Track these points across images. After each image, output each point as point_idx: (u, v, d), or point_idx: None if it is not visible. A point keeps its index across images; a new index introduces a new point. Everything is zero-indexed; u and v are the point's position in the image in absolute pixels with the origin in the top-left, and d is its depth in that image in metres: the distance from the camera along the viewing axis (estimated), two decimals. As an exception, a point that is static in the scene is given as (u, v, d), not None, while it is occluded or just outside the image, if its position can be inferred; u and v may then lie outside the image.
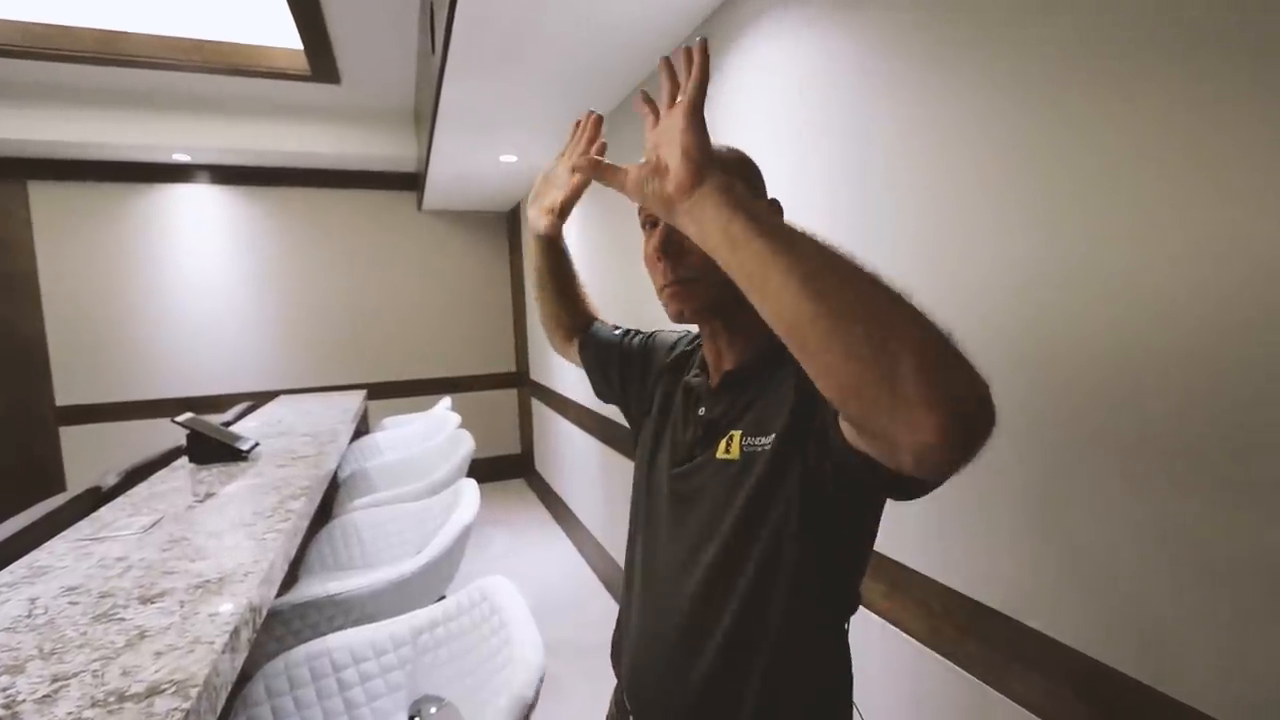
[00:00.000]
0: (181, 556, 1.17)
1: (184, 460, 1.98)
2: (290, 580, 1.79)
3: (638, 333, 1.04)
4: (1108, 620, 0.89)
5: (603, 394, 1.06)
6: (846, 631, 0.74)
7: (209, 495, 1.59)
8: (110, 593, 1.02)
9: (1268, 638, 0.72)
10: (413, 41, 3.25)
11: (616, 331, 1.06)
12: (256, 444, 2.07)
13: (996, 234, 1.01)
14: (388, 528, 2.01)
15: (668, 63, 0.61)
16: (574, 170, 0.62)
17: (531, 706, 0.95)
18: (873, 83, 1.25)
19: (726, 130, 1.76)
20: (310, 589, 1.47)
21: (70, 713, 0.71)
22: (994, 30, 1.00)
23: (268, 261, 4.50)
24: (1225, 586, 0.76)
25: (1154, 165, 0.80)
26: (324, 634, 1.28)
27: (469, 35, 1.91)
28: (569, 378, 3.70)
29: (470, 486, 1.88)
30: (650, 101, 0.63)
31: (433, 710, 1.23)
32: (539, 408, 4.60)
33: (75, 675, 0.78)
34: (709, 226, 0.53)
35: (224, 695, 0.82)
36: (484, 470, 4.90)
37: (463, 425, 2.84)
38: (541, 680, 1.00)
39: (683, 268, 0.74)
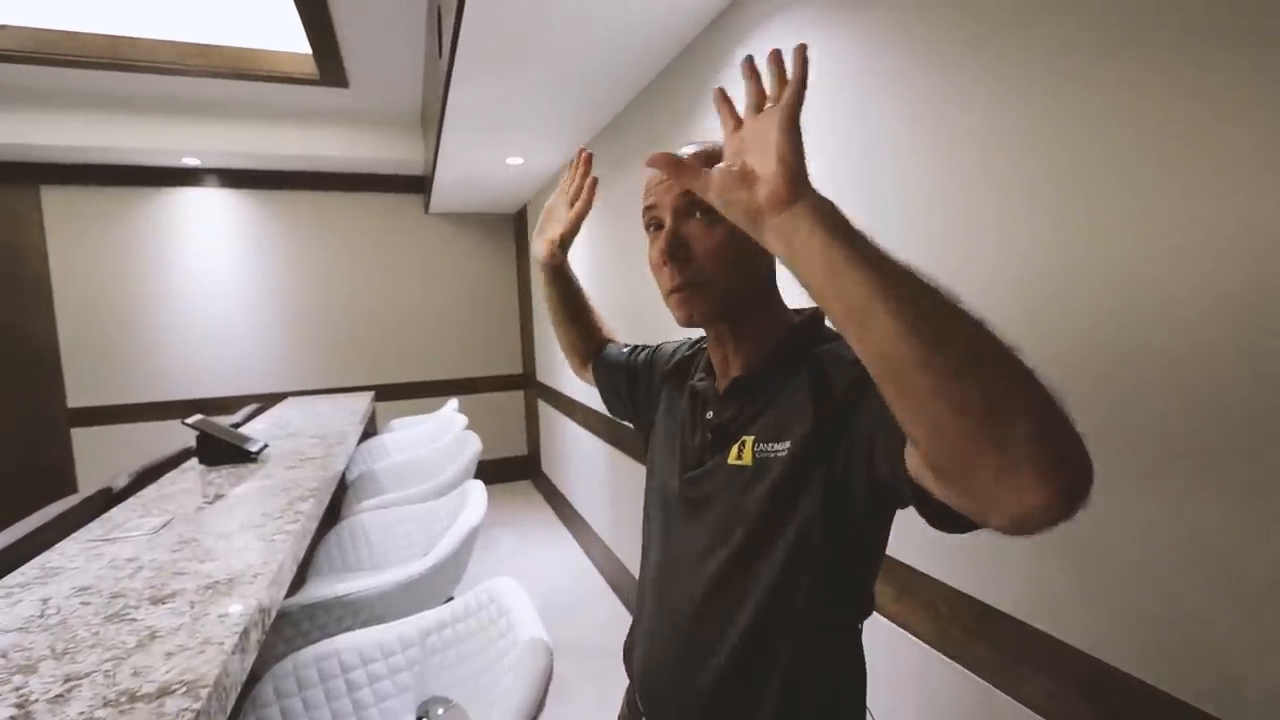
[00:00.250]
0: (191, 557, 1.18)
1: (194, 462, 2.00)
2: (299, 582, 1.80)
3: (644, 348, 1.05)
4: (1114, 622, 0.88)
5: (616, 410, 1.08)
6: (860, 633, 0.74)
7: (218, 497, 1.60)
8: (121, 593, 1.03)
9: (1274, 638, 0.72)
10: (420, 45, 3.26)
11: (625, 349, 1.07)
12: (265, 445, 2.08)
13: (1002, 230, 1.01)
14: (395, 529, 2.02)
15: (751, 64, 0.57)
16: (650, 164, 0.58)
17: (539, 708, 0.95)
18: (878, 82, 1.25)
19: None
20: (319, 590, 1.47)
21: (82, 713, 0.72)
22: (997, 26, 0.99)
23: (276, 264, 4.52)
24: (1232, 586, 0.75)
25: (1157, 158, 0.80)
26: (332, 635, 1.28)
27: (476, 38, 1.92)
28: (576, 380, 3.70)
29: (477, 488, 1.88)
30: (728, 101, 0.60)
31: (440, 712, 1.23)
32: (546, 409, 4.61)
33: (87, 675, 0.79)
34: (804, 248, 0.48)
35: (234, 696, 0.83)
36: (491, 472, 4.91)
37: (470, 427, 2.84)
38: (549, 682, 1.00)
39: (690, 271, 0.72)
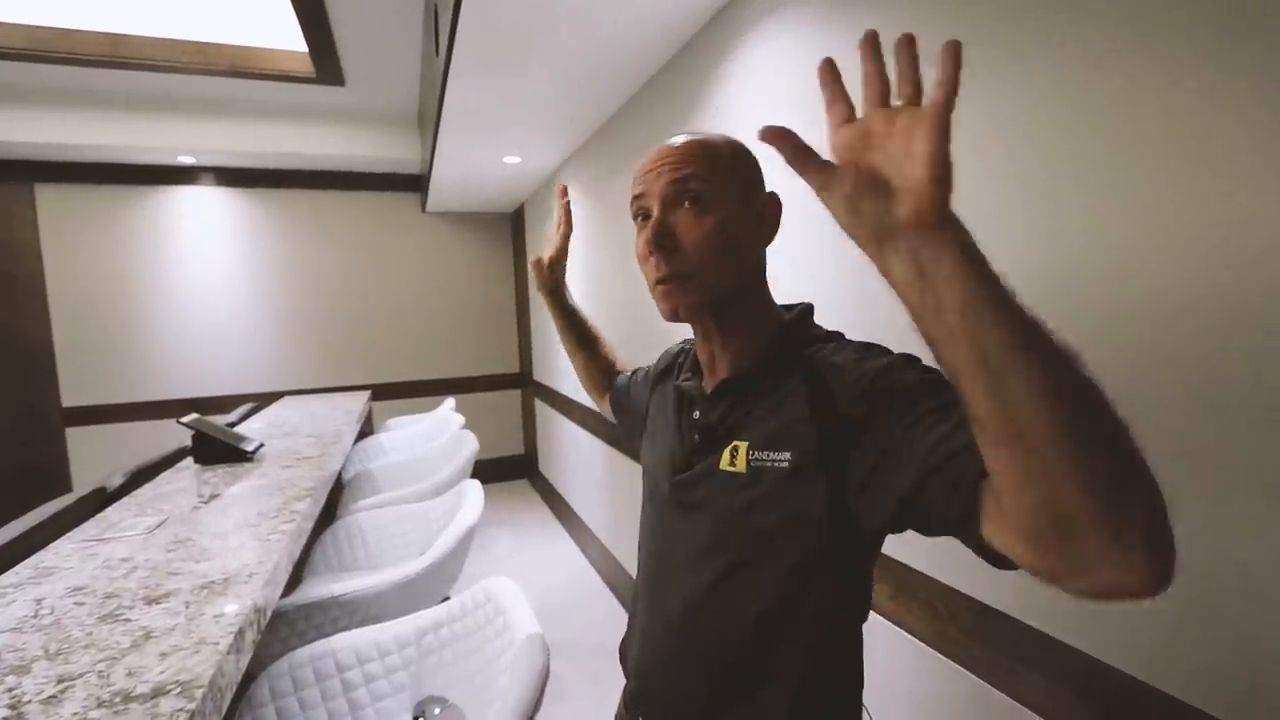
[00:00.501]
0: (186, 557, 1.17)
1: (189, 461, 1.99)
2: (295, 581, 1.80)
3: (644, 367, 1.05)
4: (1110, 621, 0.88)
5: (630, 433, 1.06)
6: (861, 634, 0.74)
7: (214, 496, 1.60)
8: (116, 593, 1.03)
9: (1270, 636, 0.72)
10: (417, 43, 3.26)
11: (630, 372, 1.08)
12: (261, 445, 2.08)
13: (1000, 226, 1.01)
14: (392, 529, 2.02)
15: (876, 43, 0.49)
16: (764, 138, 0.51)
17: (536, 707, 0.95)
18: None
19: (729, 131, 1.76)
20: (315, 590, 1.47)
21: (76, 713, 0.71)
22: (993, 23, 0.99)
23: (272, 263, 4.51)
24: (1228, 584, 0.75)
25: (1154, 153, 0.80)
26: (328, 635, 1.28)
27: (473, 36, 1.92)
28: (573, 379, 3.71)
29: (474, 487, 1.88)
30: (840, 80, 0.50)
31: (437, 711, 1.23)
32: (543, 409, 4.60)
33: (81, 676, 0.79)
34: (943, 281, 0.42)
35: (229, 696, 0.83)
36: (488, 471, 4.90)
37: (466, 426, 2.84)
38: (546, 681, 1.00)
39: (676, 262, 0.70)
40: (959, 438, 0.51)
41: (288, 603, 1.40)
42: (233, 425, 2.52)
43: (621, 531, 3.01)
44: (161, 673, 0.79)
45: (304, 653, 1.20)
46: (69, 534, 1.34)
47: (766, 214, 0.74)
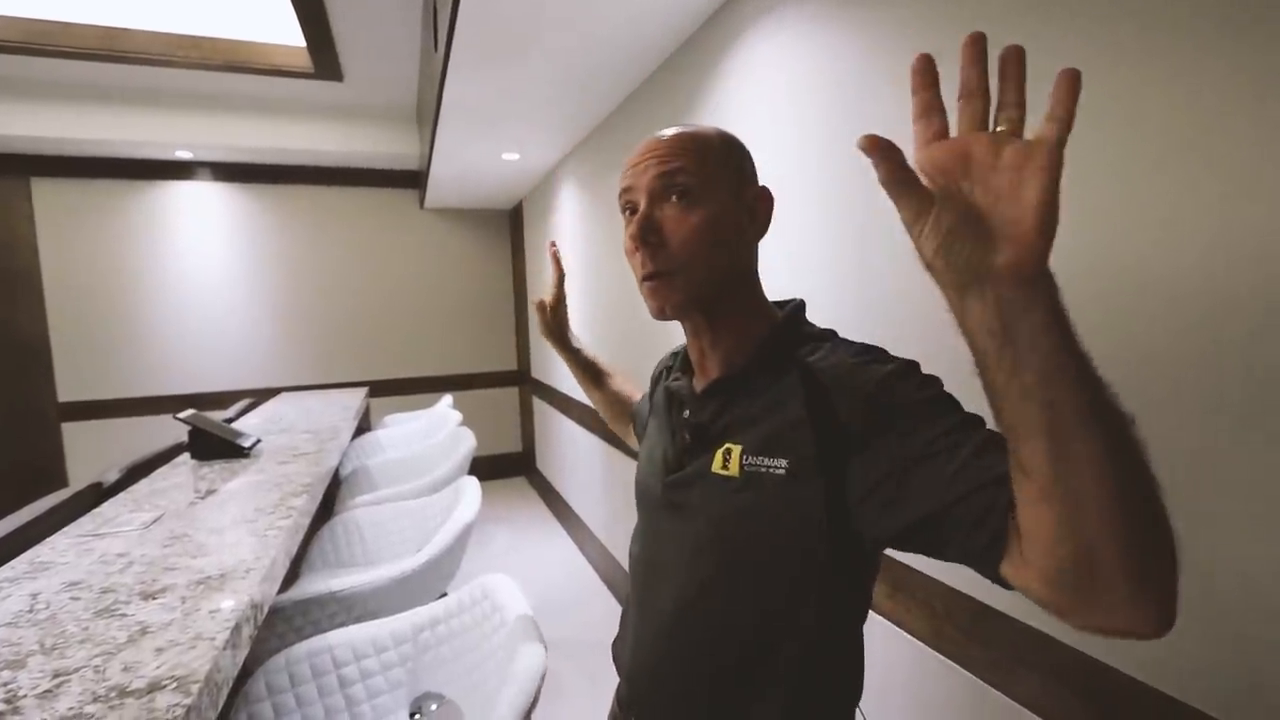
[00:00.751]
0: (183, 553, 1.17)
1: (186, 457, 1.98)
2: (292, 577, 1.79)
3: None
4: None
5: None
6: (861, 635, 0.73)
7: (210, 492, 1.59)
8: (112, 588, 1.02)
9: (1268, 635, 0.72)
10: (416, 39, 3.25)
11: (641, 397, 1.07)
12: (258, 441, 2.07)
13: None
14: (389, 525, 2.01)
15: (982, 48, 0.42)
16: (863, 148, 0.43)
17: (532, 704, 0.95)
18: (878, 78, 1.25)
19: (728, 128, 1.76)
20: (312, 586, 1.47)
21: (71, 708, 0.71)
22: (992, 20, 0.99)
23: (270, 259, 4.50)
24: (1225, 584, 0.75)
25: (1154, 152, 0.80)
26: (325, 631, 1.28)
27: (472, 32, 1.91)
28: (571, 377, 3.70)
29: (471, 484, 1.88)
30: (935, 84, 0.44)
31: (433, 707, 1.23)
32: (540, 406, 4.60)
33: (76, 671, 0.78)
34: (1029, 337, 0.40)
35: (225, 691, 0.82)
36: (485, 468, 4.89)
37: (464, 423, 2.83)
38: (542, 678, 1.00)
39: (662, 258, 0.68)
40: (984, 466, 0.51)
41: (285, 599, 1.40)
42: (230, 421, 2.51)
43: (618, 529, 3.01)
44: (157, 668, 0.78)
45: (301, 649, 1.20)
46: (65, 529, 1.34)
47: (758, 209, 0.72)
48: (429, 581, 1.58)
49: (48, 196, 3.98)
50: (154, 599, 0.98)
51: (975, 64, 0.42)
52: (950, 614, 1.13)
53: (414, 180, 4.75)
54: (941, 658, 1.15)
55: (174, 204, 4.26)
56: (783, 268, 1.49)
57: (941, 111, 0.44)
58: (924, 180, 0.43)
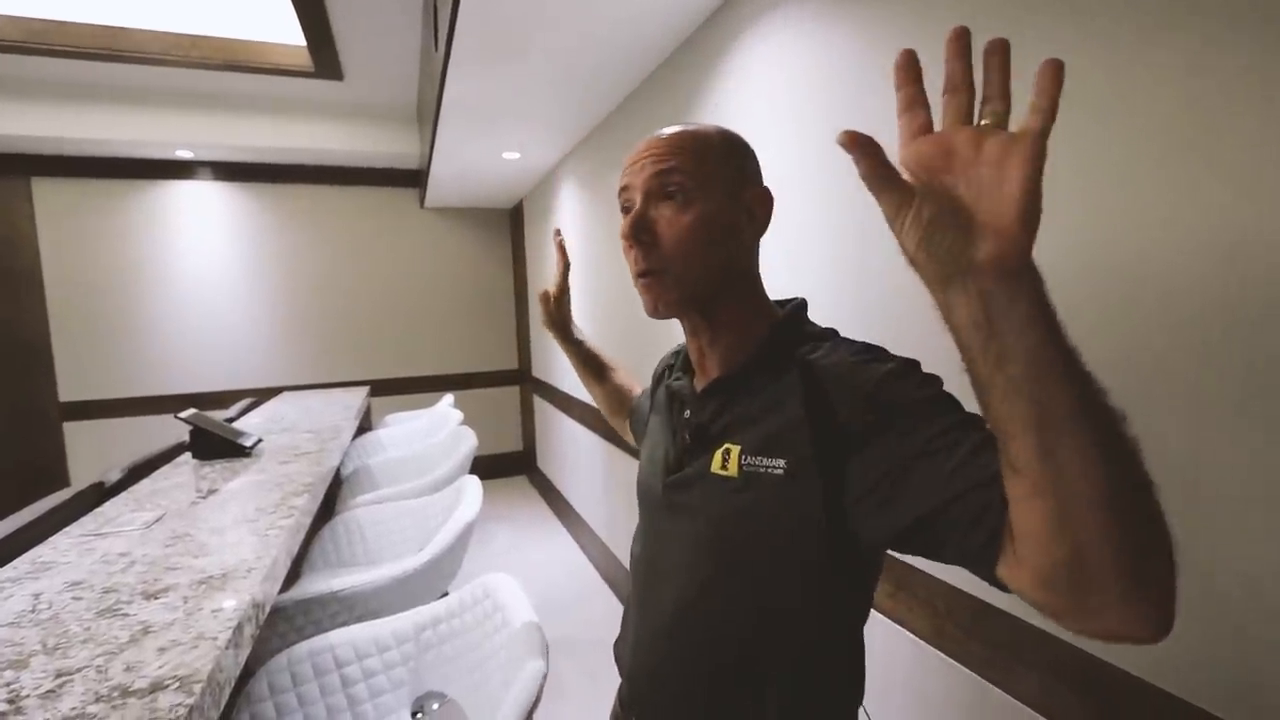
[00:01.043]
0: (185, 552, 1.17)
1: (187, 456, 1.98)
2: (293, 576, 1.80)
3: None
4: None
5: None
6: (862, 636, 0.72)
7: (212, 491, 1.59)
8: (114, 588, 1.02)
9: (1267, 634, 0.72)
10: (416, 38, 3.24)
11: (641, 393, 1.07)
12: (259, 440, 2.07)
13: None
14: (390, 524, 2.01)
15: (966, 42, 0.44)
16: (843, 143, 0.44)
17: (534, 703, 0.95)
18: (878, 75, 1.25)
19: (730, 126, 1.75)
20: (313, 585, 1.47)
21: (74, 708, 0.71)
22: (993, 17, 0.99)
23: (271, 258, 4.50)
24: (1225, 582, 0.75)
25: (1156, 151, 0.80)
26: (327, 630, 1.28)
27: (472, 31, 1.91)
28: (572, 375, 3.70)
29: (473, 483, 1.88)
30: (918, 82, 0.45)
31: (435, 706, 1.23)
32: (541, 405, 4.60)
33: (79, 670, 0.79)
34: (1013, 333, 0.40)
35: (227, 691, 0.82)
36: (486, 467, 4.89)
37: (465, 422, 2.84)
38: (544, 677, 1.00)
39: (654, 257, 0.69)
40: (981, 465, 0.50)
41: (286, 598, 1.40)
42: (231, 421, 2.51)
43: (619, 527, 3.01)
44: (160, 668, 0.78)
45: (302, 648, 1.20)
46: (67, 529, 1.34)
47: (756, 210, 0.72)
48: (430, 581, 1.58)
49: (48, 196, 3.98)
50: (156, 598, 0.98)
51: (959, 58, 0.43)
52: (951, 612, 1.13)
53: (414, 179, 4.75)
54: (942, 655, 1.15)
55: (174, 203, 4.26)
56: (782, 266, 1.49)
57: (925, 106, 0.45)
58: (907, 175, 0.43)
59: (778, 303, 0.77)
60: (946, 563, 0.55)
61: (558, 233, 1.08)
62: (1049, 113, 0.39)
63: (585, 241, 3.23)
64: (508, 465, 5.22)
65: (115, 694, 0.73)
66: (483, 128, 2.91)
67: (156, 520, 1.37)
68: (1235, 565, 0.75)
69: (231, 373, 4.42)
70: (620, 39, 2.00)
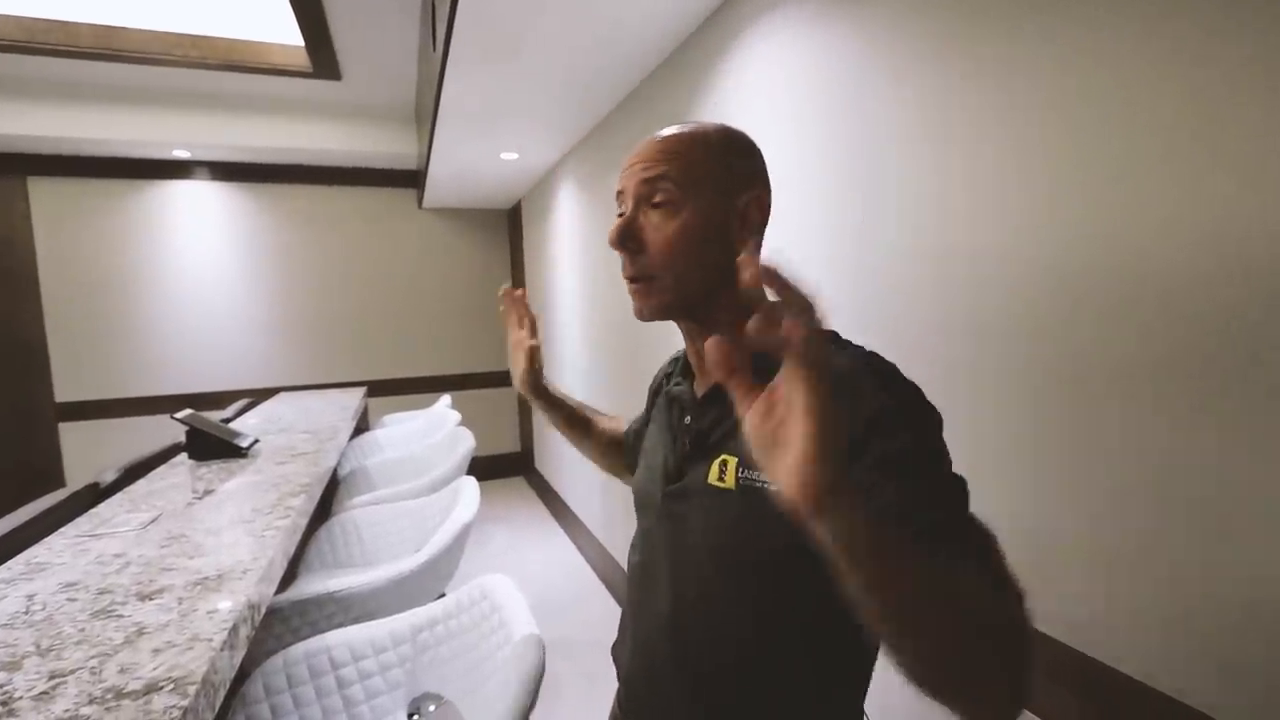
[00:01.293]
0: (180, 553, 1.17)
1: (183, 457, 1.98)
2: (289, 578, 1.79)
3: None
4: (1107, 621, 0.88)
5: None
6: (864, 644, 0.71)
7: (208, 492, 1.59)
8: (108, 589, 1.02)
9: (1264, 634, 0.72)
10: (414, 38, 3.24)
11: (631, 422, 1.03)
12: (256, 441, 2.07)
13: (1000, 214, 1.01)
14: (387, 525, 2.01)
15: (769, 276, 0.41)
16: (707, 349, 0.45)
17: (531, 705, 0.95)
18: (878, 74, 1.25)
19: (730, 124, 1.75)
20: (309, 586, 1.46)
21: (67, 710, 0.71)
22: (991, 13, 0.99)
23: (268, 258, 4.49)
24: (1224, 585, 0.75)
25: (1159, 146, 0.79)
26: (323, 632, 1.27)
27: (470, 32, 1.91)
28: (570, 376, 3.70)
29: (470, 484, 1.87)
30: (733, 369, 0.45)
31: (432, 708, 1.23)
32: (539, 406, 4.59)
33: (73, 672, 0.78)
34: (836, 554, 0.43)
35: (222, 693, 0.82)
36: (484, 468, 4.88)
37: (463, 423, 2.83)
38: (541, 678, 1.00)
39: (640, 264, 0.69)
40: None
41: (282, 599, 1.40)
42: (227, 421, 2.50)
43: (617, 529, 3.01)
44: (154, 669, 0.78)
45: (298, 649, 1.19)
46: (61, 529, 1.33)
47: (751, 213, 0.70)
48: (427, 582, 1.58)
49: (45, 196, 3.97)
50: (151, 600, 0.97)
51: (767, 284, 0.41)
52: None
53: (412, 180, 4.75)
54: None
55: (172, 203, 4.25)
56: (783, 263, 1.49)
57: (746, 375, 0.45)
58: (759, 405, 0.44)
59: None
60: None
61: (511, 290, 1.02)
62: (811, 371, 0.39)
63: (583, 243, 3.23)
64: (505, 466, 5.21)
65: (109, 696, 0.73)
66: (481, 128, 2.91)
67: (152, 521, 1.36)
68: (1235, 567, 0.75)
69: (228, 373, 4.41)
70: (619, 39, 2.00)
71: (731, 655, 0.68)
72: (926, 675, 0.46)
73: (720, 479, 0.67)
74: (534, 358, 1.03)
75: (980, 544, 0.53)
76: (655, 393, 0.90)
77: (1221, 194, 0.74)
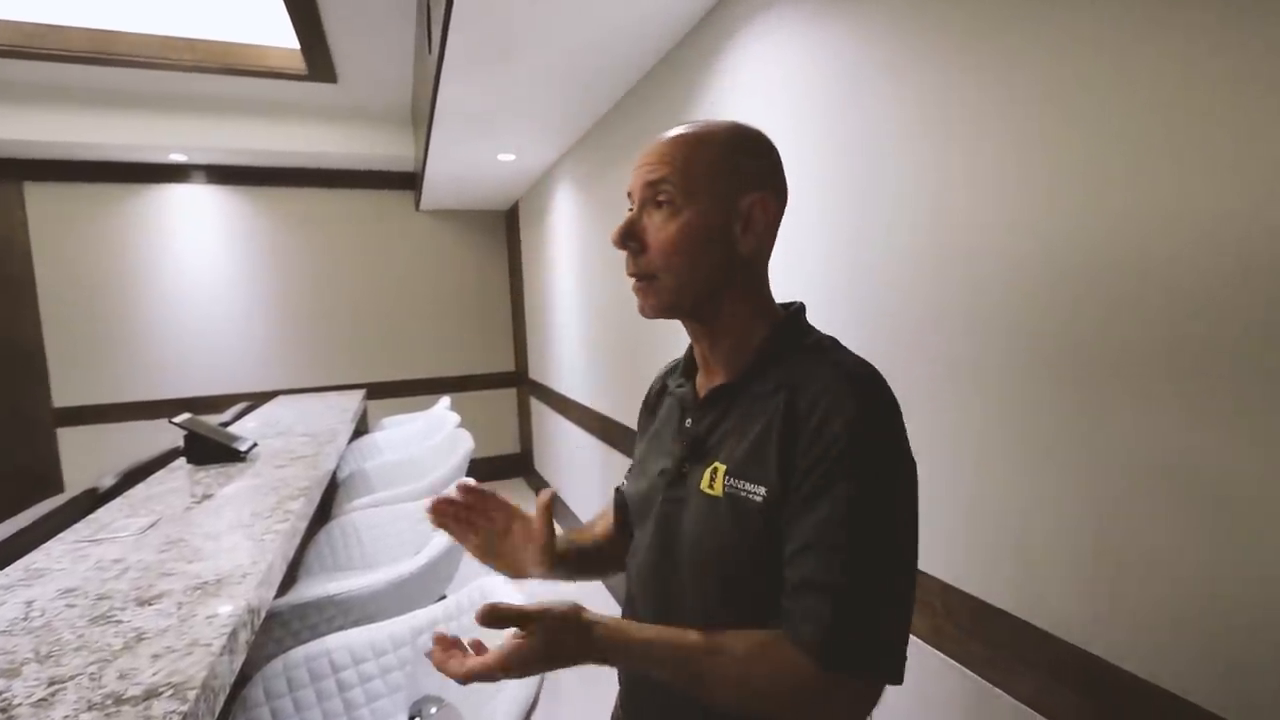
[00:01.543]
0: (179, 558, 1.16)
1: (182, 461, 1.97)
2: (289, 581, 1.79)
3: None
4: (1109, 617, 0.88)
5: None
6: None
7: (207, 496, 1.58)
8: (107, 595, 1.01)
9: (1265, 631, 0.72)
10: (410, 40, 3.24)
11: (615, 491, 0.93)
12: (255, 444, 2.06)
13: (999, 209, 1.01)
14: (387, 528, 2.00)
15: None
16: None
17: (532, 707, 0.94)
18: (875, 70, 1.25)
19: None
20: (309, 590, 1.46)
21: (66, 716, 0.70)
22: (990, 11, 0.99)
23: (266, 261, 4.48)
24: (1224, 581, 0.75)
25: (1156, 140, 0.79)
26: (323, 635, 1.27)
27: (466, 34, 1.91)
28: (569, 378, 3.70)
29: (469, 486, 1.87)
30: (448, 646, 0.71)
31: (433, 711, 1.22)
32: (538, 407, 4.59)
33: (72, 678, 0.78)
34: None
35: (222, 698, 0.82)
36: (483, 470, 4.89)
37: (462, 425, 2.83)
38: (542, 680, 1.00)
39: (642, 263, 0.70)
40: (820, 568, 0.59)
41: (282, 603, 1.39)
42: (226, 425, 2.50)
43: (618, 529, 3.00)
44: (154, 674, 0.78)
45: (298, 653, 1.19)
46: (60, 535, 1.33)
47: (755, 215, 0.69)
48: (428, 584, 1.57)
49: (41, 201, 3.96)
50: (150, 605, 0.97)
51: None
52: (950, 612, 1.13)
53: (409, 182, 4.74)
54: (942, 656, 1.15)
55: (168, 207, 4.24)
56: (777, 264, 1.49)
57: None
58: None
59: (782, 306, 0.76)
60: None
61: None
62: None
63: (581, 244, 3.23)
64: (505, 467, 5.21)
65: (108, 702, 0.73)
66: (477, 129, 2.91)
67: (151, 526, 1.36)
68: (1237, 564, 0.75)
69: (226, 377, 4.41)
70: (615, 39, 2.00)
71: None
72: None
73: (710, 486, 0.68)
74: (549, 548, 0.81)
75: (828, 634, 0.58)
76: (651, 407, 0.88)
77: (1225, 191, 0.74)
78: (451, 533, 0.82)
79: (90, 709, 0.72)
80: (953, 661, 1.13)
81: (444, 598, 1.33)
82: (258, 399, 3.73)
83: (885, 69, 1.21)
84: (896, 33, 1.18)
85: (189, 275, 4.30)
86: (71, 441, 4.09)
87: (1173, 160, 0.78)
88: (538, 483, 4.76)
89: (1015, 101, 0.96)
